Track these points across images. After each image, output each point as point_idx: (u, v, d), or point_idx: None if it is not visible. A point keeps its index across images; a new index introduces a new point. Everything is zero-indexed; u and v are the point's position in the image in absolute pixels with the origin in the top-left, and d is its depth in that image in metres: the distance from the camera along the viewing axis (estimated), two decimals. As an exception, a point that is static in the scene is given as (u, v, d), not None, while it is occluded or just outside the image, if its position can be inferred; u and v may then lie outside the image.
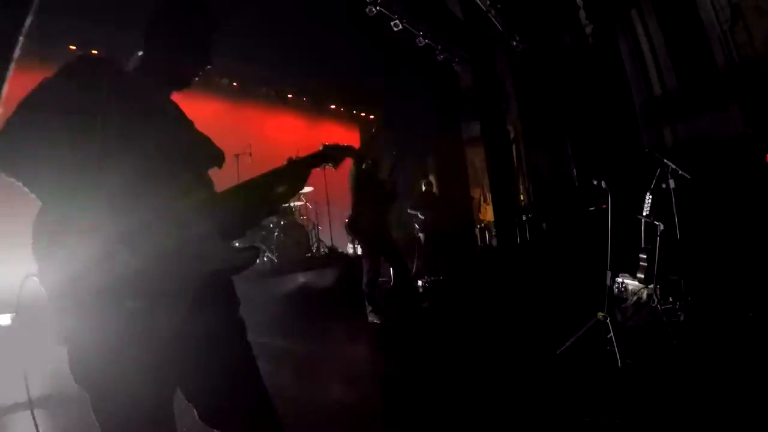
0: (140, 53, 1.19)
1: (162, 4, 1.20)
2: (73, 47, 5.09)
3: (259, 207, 1.31)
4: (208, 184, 1.22)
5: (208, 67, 1.25)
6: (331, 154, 1.46)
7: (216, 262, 1.09)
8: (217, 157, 1.24)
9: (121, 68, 1.12)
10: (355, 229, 4.54)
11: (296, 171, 1.35)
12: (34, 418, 1.23)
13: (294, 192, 1.41)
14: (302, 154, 1.45)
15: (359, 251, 7.61)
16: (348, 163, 1.59)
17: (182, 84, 1.23)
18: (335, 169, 1.51)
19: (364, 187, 4.46)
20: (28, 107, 0.97)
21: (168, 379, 1.08)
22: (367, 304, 4.44)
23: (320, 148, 1.48)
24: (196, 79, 1.25)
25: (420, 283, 6.13)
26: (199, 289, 1.05)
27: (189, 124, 1.23)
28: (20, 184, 0.97)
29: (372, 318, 4.40)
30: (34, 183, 0.98)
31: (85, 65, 1.05)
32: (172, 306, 1.00)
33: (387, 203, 4.64)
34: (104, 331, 0.95)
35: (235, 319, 1.21)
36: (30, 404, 2.04)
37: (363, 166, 4.44)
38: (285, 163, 1.35)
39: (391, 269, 4.66)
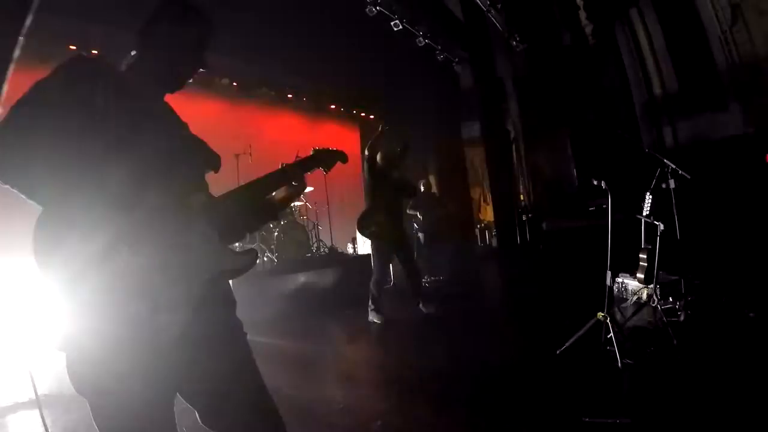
0: (134, 53, 1.19)
1: (158, 5, 1.19)
2: (73, 47, 5.09)
3: (256, 211, 1.31)
4: (205, 187, 1.21)
5: (202, 69, 1.25)
6: (323, 159, 1.48)
7: (216, 265, 1.09)
8: (213, 161, 1.23)
9: (115, 68, 1.12)
10: (365, 227, 4.48)
11: (288, 176, 1.36)
12: (42, 417, 1.23)
13: (293, 197, 1.42)
14: (302, 154, 1.45)
15: (359, 251, 7.62)
16: (339, 167, 1.60)
17: (176, 85, 1.22)
18: (326, 173, 1.53)
19: (377, 184, 4.42)
20: (22, 110, 0.95)
21: (169, 384, 1.07)
22: (370, 302, 4.43)
23: (312, 152, 1.49)
24: (190, 81, 1.25)
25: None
26: (200, 293, 1.05)
27: (184, 126, 1.23)
28: (15, 190, 0.95)
29: (372, 317, 4.40)
30: (30, 188, 0.96)
31: (80, 65, 1.03)
32: (173, 310, 1.00)
33: (400, 199, 4.60)
34: (105, 336, 0.94)
35: (233, 320, 1.21)
36: (38, 404, 2.04)
37: (376, 162, 4.42)
38: (279, 169, 1.36)
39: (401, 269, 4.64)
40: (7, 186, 0.95)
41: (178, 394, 1.11)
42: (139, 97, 1.10)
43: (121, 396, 0.97)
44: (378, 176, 4.41)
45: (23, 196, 0.96)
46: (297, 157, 1.50)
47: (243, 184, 1.30)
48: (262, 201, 1.32)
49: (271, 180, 1.33)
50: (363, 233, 4.49)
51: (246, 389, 1.16)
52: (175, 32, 1.18)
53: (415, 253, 6.29)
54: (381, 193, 4.40)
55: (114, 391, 0.97)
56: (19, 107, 0.95)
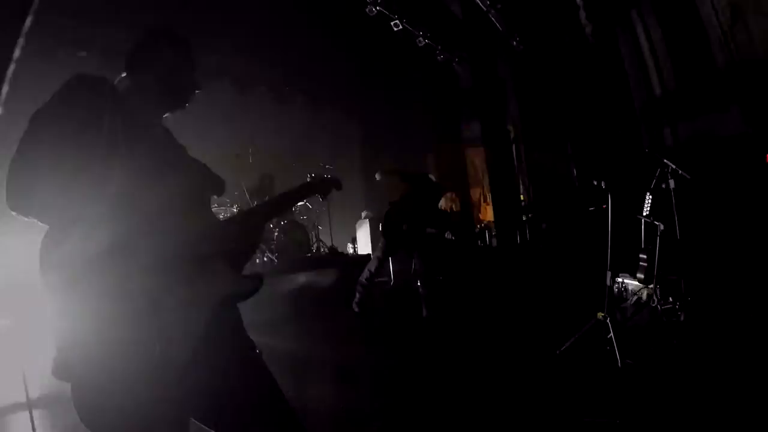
0: (124, 74, 1.21)
1: (144, 33, 1.22)
2: (73, 47, 5.09)
3: (255, 235, 1.34)
4: (209, 210, 1.22)
5: (198, 91, 1.28)
6: (319, 186, 1.55)
7: (223, 289, 1.09)
8: (217, 185, 1.24)
9: (115, 88, 1.12)
10: (384, 232, 4.56)
11: (288, 203, 1.47)
12: (32, 420, 1.23)
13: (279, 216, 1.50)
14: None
15: (359, 251, 7.61)
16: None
17: (175, 105, 1.25)
18: (323, 199, 1.59)
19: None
20: (29, 146, 0.95)
21: (183, 413, 1.06)
22: (361, 295, 4.49)
23: (308, 179, 1.59)
24: (187, 105, 1.27)
25: (419, 283, 6.12)
26: (209, 317, 1.04)
27: (183, 149, 1.24)
28: (35, 221, 0.97)
29: (355, 307, 4.48)
30: (47, 217, 0.97)
31: (81, 87, 1.03)
32: (183, 335, 0.99)
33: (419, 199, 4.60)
34: (114, 367, 0.92)
35: (246, 342, 1.21)
36: (28, 405, 2.05)
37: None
38: (278, 195, 1.42)
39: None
40: (29, 219, 0.97)
41: (194, 420, 1.11)
42: (141, 119, 1.12)
43: (134, 430, 0.95)
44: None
45: (40, 224, 0.98)
46: (310, 176, 1.58)
47: (245, 210, 1.36)
48: (262, 226, 1.38)
49: (272, 207, 1.44)
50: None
51: (270, 413, 1.15)
52: (168, 55, 1.21)
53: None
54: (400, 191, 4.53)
55: (127, 427, 0.95)
56: (23, 142, 0.96)
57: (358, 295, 4.52)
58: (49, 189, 0.94)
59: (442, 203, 4.65)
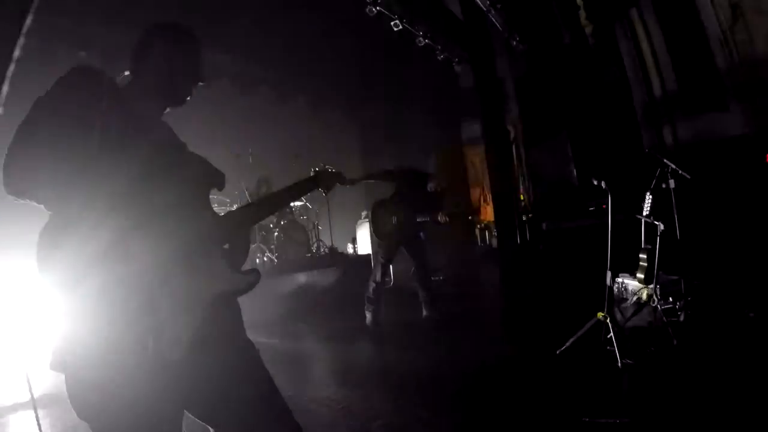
0: (127, 73, 1.21)
1: (151, 28, 1.22)
2: (73, 46, 5.09)
3: (251, 230, 1.35)
4: (207, 205, 1.22)
5: (201, 83, 1.27)
6: (323, 180, 1.54)
7: (219, 284, 1.09)
8: (217, 179, 1.24)
9: (115, 82, 1.12)
10: (375, 231, 4.48)
11: (290, 197, 1.46)
12: (37, 418, 1.23)
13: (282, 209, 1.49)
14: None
15: (359, 251, 7.61)
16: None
17: (177, 98, 1.24)
18: (326, 194, 1.58)
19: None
20: (26, 129, 0.95)
21: (177, 407, 1.06)
22: (372, 311, 4.39)
23: (312, 173, 1.56)
24: (189, 98, 1.26)
25: (419, 283, 6.09)
26: (204, 313, 1.04)
27: (183, 145, 1.24)
28: (33, 203, 0.97)
29: (370, 325, 4.38)
30: (46, 200, 0.98)
31: (78, 77, 1.03)
32: (178, 330, 0.99)
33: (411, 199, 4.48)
34: (107, 360, 0.92)
35: (243, 339, 1.21)
36: (33, 405, 2.05)
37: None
38: (280, 191, 1.41)
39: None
40: (25, 200, 0.97)
41: (190, 414, 1.11)
42: (141, 114, 1.12)
43: (126, 423, 0.96)
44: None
45: (40, 206, 0.98)
46: (313, 171, 1.57)
47: (242, 206, 1.35)
48: (260, 220, 1.38)
49: (274, 202, 1.42)
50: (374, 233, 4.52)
51: (267, 412, 1.15)
52: (170, 48, 1.20)
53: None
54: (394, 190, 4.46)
55: (118, 417, 0.95)
56: (22, 126, 0.96)
57: (368, 313, 4.35)
58: (46, 172, 0.94)
59: (431, 186, 4.55)
